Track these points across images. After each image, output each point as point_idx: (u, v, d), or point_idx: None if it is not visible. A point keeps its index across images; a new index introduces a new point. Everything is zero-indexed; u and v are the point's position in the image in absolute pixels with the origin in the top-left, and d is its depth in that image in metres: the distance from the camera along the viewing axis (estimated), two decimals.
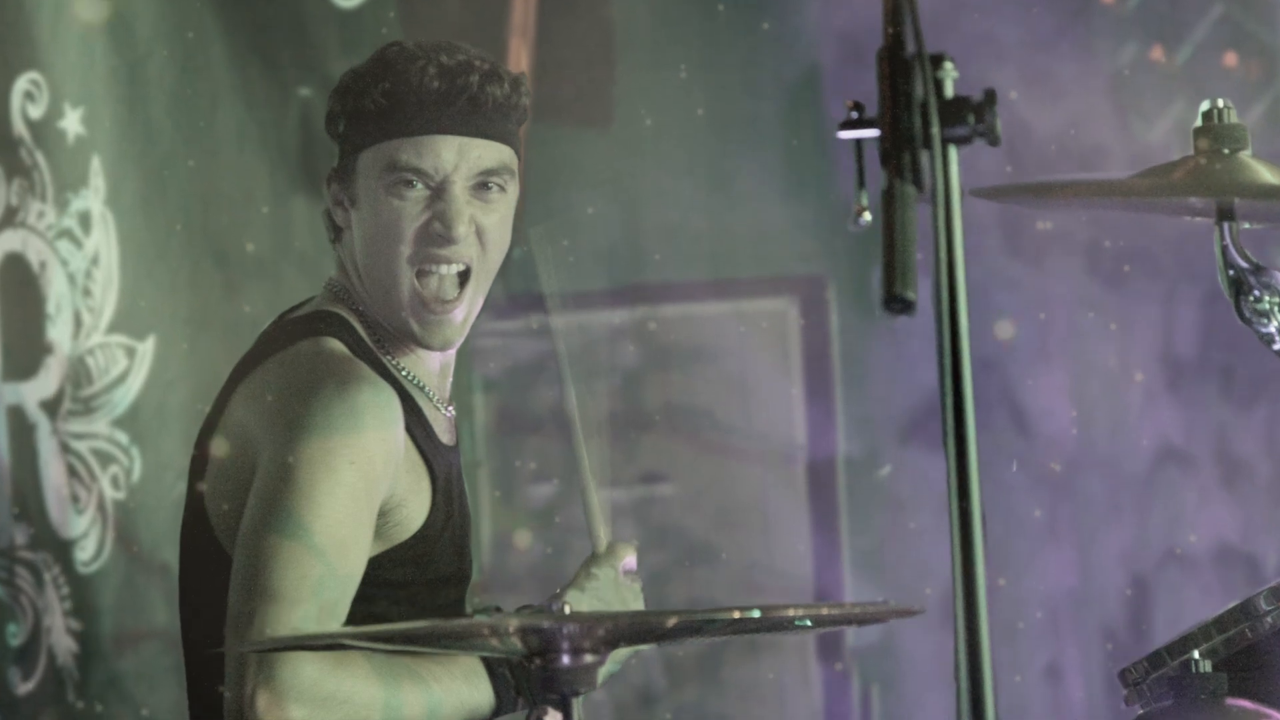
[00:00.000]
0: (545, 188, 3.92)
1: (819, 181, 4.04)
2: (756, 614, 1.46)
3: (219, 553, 2.26)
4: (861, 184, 1.39)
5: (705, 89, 4.06)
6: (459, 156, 2.32)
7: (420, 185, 2.32)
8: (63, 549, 3.61)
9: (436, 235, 2.31)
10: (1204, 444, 4.01)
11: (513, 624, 1.53)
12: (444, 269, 2.32)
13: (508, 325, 3.95)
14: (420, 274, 2.32)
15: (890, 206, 1.35)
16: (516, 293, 3.66)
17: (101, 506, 3.66)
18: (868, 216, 1.40)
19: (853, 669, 4.03)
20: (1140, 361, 4.02)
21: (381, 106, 2.32)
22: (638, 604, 2.33)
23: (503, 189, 2.35)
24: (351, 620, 2.19)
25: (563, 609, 2.27)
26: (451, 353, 2.39)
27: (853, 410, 4.06)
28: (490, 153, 2.34)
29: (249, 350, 2.36)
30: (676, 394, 4.05)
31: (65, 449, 3.63)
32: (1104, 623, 4.02)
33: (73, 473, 3.64)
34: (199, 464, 2.31)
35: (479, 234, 2.33)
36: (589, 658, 1.47)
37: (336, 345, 2.31)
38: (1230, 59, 4.00)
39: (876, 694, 4.03)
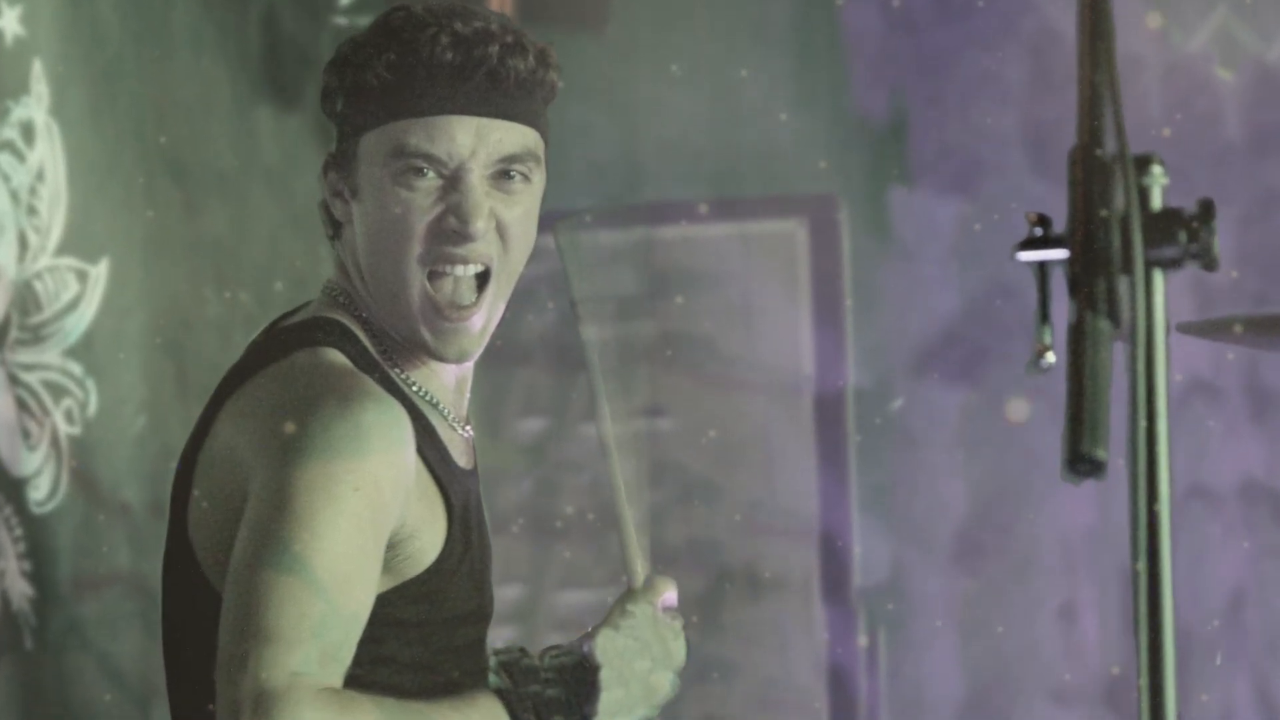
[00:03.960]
0: None
1: (831, 93, 3.88)
2: None
3: (207, 589, 2.04)
4: (1045, 317, 1.14)
5: None
6: (476, 140, 2.03)
7: (432, 174, 2.04)
8: (14, 488, 3.43)
9: (451, 231, 2.04)
10: (1232, 376, 3.88)
11: None
12: (460, 270, 2.05)
13: None
14: (433, 276, 2.05)
15: (1079, 345, 1.10)
16: None
17: (55, 442, 3.48)
18: (1051, 357, 1.14)
19: (859, 611, 3.92)
20: (1168, 288, 3.86)
21: (386, 82, 2.03)
22: (678, 643, 2.13)
23: (526, 178, 2.07)
24: (358, 663, 1.98)
25: (593, 650, 2.07)
26: (469, 365, 2.13)
27: (864, 339, 3.93)
28: (512, 136, 2.05)
29: (237, 362, 2.09)
30: (676, 322, 3.91)
31: (14, 381, 3.43)
32: (1121, 561, 3.91)
33: (23, 406, 3.45)
34: (182, 489, 2.07)
35: (499, 230, 2.05)
36: None
37: (337, 357, 2.05)
38: None
39: (883, 637, 3.93)
